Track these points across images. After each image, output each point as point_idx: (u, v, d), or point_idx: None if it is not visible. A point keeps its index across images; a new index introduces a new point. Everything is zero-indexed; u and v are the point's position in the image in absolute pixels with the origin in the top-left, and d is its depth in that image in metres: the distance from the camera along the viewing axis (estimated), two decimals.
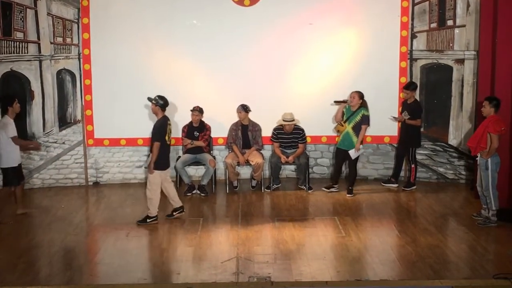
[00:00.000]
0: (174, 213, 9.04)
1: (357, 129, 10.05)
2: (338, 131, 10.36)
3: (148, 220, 8.79)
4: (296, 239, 8.15)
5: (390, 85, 10.94)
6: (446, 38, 10.77)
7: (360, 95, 10.07)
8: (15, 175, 9.13)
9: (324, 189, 10.42)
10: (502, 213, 8.63)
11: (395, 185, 10.68)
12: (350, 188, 10.22)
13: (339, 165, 10.48)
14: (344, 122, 10.08)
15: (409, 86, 10.52)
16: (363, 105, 10.09)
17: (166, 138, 8.71)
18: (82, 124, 11.01)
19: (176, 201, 9.05)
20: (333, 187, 10.41)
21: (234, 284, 6.71)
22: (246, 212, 9.38)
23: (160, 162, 8.68)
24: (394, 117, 10.74)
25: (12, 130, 9.00)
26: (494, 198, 8.50)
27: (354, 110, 10.06)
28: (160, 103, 8.74)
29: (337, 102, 10.29)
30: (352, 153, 10.10)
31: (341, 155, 10.35)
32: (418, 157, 10.71)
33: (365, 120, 10.06)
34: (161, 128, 8.68)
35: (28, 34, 10.55)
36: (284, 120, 10.42)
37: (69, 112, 11.02)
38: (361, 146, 10.15)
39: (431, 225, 8.65)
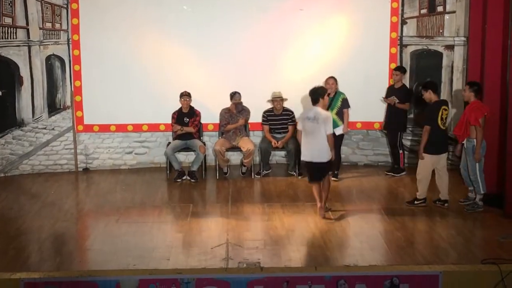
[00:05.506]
0: (437, 202, 8.87)
1: (340, 114, 9.92)
2: None
3: (416, 202, 8.82)
4: (286, 225, 8.18)
5: (380, 71, 10.92)
6: (436, 24, 10.77)
7: (336, 80, 9.96)
8: (309, 171, 8.51)
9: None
10: (489, 198, 8.69)
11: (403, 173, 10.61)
12: (336, 172, 10.09)
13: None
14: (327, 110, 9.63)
15: (400, 68, 10.52)
16: (337, 88, 9.98)
17: (440, 122, 8.60)
18: (72, 110, 10.96)
19: (443, 193, 8.85)
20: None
21: (224, 270, 6.72)
22: (236, 198, 9.39)
23: (430, 146, 8.61)
24: (384, 98, 10.64)
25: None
26: (481, 182, 8.56)
27: (332, 96, 9.83)
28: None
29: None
30: (338, 130, 9.77)
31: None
32: (407, 143, 10.76)
33: (346, 103, 9.95)
34: (433, 112, 8.62)
35: (16, 19, 10.46)
36: (273, 98, 10.40)
37: (59, 98, 10.96)
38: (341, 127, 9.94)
39: (420, 211, 8.69)
